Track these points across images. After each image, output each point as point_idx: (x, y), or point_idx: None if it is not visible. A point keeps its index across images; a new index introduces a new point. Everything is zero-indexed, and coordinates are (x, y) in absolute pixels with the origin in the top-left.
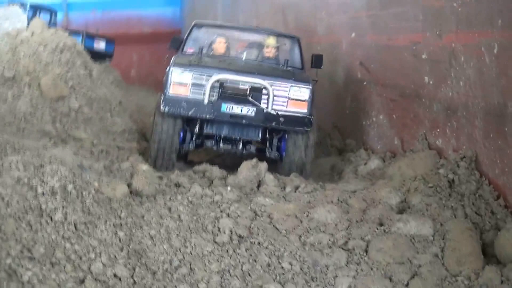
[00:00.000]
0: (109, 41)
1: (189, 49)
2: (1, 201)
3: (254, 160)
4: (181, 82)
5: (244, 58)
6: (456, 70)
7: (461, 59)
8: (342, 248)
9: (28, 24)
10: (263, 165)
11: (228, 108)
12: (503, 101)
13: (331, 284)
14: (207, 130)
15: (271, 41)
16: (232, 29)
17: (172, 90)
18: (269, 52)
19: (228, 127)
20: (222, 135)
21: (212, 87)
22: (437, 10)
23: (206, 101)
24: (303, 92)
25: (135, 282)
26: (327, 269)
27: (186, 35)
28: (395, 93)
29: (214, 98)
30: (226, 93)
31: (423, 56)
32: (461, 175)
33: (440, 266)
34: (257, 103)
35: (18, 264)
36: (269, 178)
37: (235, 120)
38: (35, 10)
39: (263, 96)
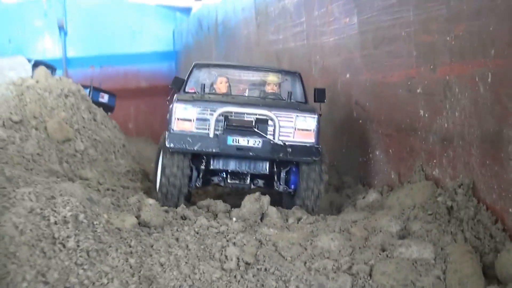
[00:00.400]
0: (111, 95)
1: (190, 89)
2: (15, 230)
3: (257, 193)
4: (185, 117)
5: (247, 95)
6: (451, 101)
7: (455, 90)
8: (347, 273)
9: (32, 75)
10: (266, 198)
11: (234, 140)
12: (499, 128)
13: None
14: (214, 165)
15: (272, 78)
16: (232, 68)
17: (177, 126)
18: (271, 88)
19: (235, 161)
20: (229, 170)
21: (217, 121)
22: (430, 45)
23: (211, 135)
24: (309, 121)
25: None
26: None
27: (187, 75)
28: (391, 128)
29: (219, 131)
30: (232, 126)
31: (418, 90)
32: (459, 201)
33: (443, 287)
34: (263, 134)
35: None
36: (272, 210)
37: (242, 153)
38: (37, 65)
39: (269, 128)
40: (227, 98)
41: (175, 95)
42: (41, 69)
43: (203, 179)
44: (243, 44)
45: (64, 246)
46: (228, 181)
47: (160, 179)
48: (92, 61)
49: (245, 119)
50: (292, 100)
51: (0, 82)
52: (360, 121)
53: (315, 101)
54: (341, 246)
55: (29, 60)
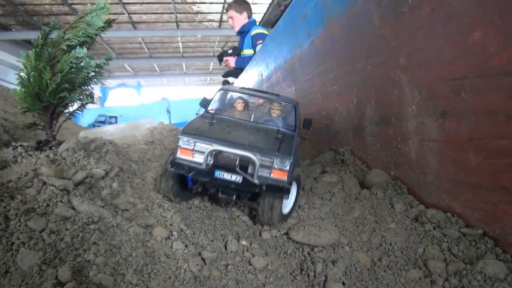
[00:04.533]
0: None
1: (211, 110)
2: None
3: None
4: (186, 147)
5: (252, 119)
6: (339, 116)
7: (340, 111)
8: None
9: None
10: None
11: (220, 174)
12: (361, 117)
13: None
14: (208, 184)
15: (276, 105)
16: (248, 94)
17: (179, 154)
18: (274, 112)
19: (223, 185)
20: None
21: (210, 154)
22: (328, 92)
23: (203, 166)
24: (285, 163)
25: None
26: None
27: (212, 97)
28: (316, 132)
29: (210, 164)
30: (219, 162)
31: (323, 113)
32: (347, 157)
33: (342, 192)
34: (243, 173)
35: None
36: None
37: (225, 184)
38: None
39: (251, 166)
40: (223, 134)
41: (182, 127)
42: (160, 123)
43: (202, 187)
44: None
45: None
46: (220, 194)
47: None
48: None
49: (232, 157)
50: (283, 129)
51: (144, 128)
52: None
53: (303, 127)
54: None
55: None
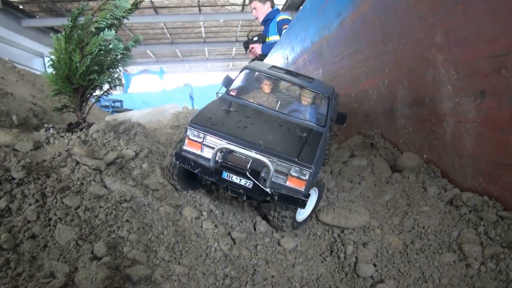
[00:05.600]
0: None
1: (233, 91)
2: None
3: None
4: (195, 140)
5: (277, 106)
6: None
7: (369, 92)
8: (327, 172)
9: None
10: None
11: (228, 176)
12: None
13: None
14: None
15: (308, 92)
16: (277, 77)
17: (187, 145)
18: (305, 100)
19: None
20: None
21: (219, 151)
22: (355, 74)
23: (212, 164)
24: (303, 172)
25: None
26: None
27: (236, 76)
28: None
29: (219, 163)
30: (229, 161)
31: (352, 95)
32: (376, 140)
33: (372, 176)
34: (254, 180)
35: None
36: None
37: (233, 188)
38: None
39: (264, 170)
40: (237, 130)
41: (193, 115)
42: (185, 108)
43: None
44: None
45: None
46: (229, 192)
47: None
48: None
49: (243, 159)
50: (310, 123)
51: (169, 114)
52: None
53: (336, 122)
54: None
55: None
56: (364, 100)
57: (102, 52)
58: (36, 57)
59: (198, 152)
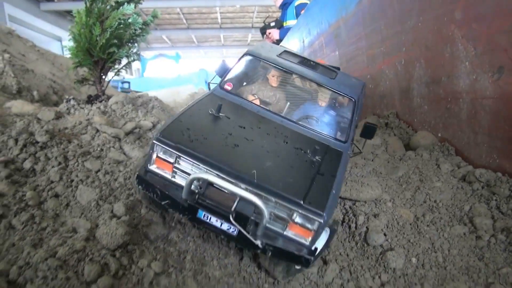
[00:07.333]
0: None
1: (228, 84)
2: None
3: None
4: (165, 159)
5: (285, 111)
6: (385, 81)
7: (386, 72)
8: None
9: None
10: None
11: (205, 217)
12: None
13: None
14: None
15: (326, 91)
16: (286, 69)
17: (154, 165)
18: (323, 101)
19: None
20: None
21: (195, 182)
22: (372, 56)
23: (184, 197)
24: (311, 220)
25: None
26: None
27: (234, 64)
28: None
29: (195, 197)
30: (208, 197)
31: (368, 76)
32: (391, 120)
33: (386, 154)
34: (240, 227)
35: None
36: None
37: (213, 231)
38: None
39: (255, 214)
40: (226, 146)
41: (164, 124)
42: (200, 89)
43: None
44: None
45: None
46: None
47: None
48: None
49: (227, 195)
50: (326, 138)
51: (185, 94)
52: None
53: (361, 136)
54: None
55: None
56: (380, 81)
57: (121, 26)
58: (54, 40)
59: (168, 176)
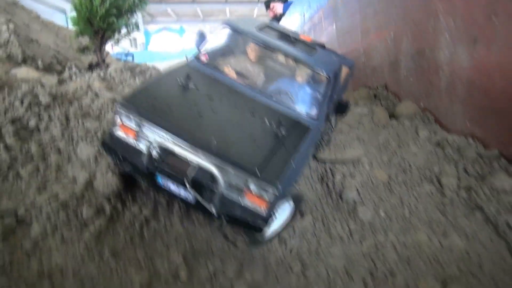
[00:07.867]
0: None
1: (204, 55)
2: None
3: None
4: (129, 126)
5: (261, 83)
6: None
7: (392, 42)
8: None
9: None
10: None
11: (164, 183)
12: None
13: None
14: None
15: (304, 69)
16: (263, 44)
17: (119, 131)
18: (300, 76)
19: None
20: None
21: (155, 148)
22: (367, 29)
23: (144, 164)
24: (266, 190)
25: None
26: None
27: (212, 36)
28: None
29: (154, 163)
30: (167, 164)
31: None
32: (380, 92)
33: (372, 122)
34: (196, 194)
35: None
36: None
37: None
38: None
39: (212, 181)
40: (191, 116)
41: (132, 90)
42: None
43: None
44: None
45: None
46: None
47: None
48: None
49: (184, 162)
50: (296, 113)
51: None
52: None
53: (335, 111)
54: None
55: None
56: (372, 54)
57: None
58: (58, 12)
59: (132, 141)
